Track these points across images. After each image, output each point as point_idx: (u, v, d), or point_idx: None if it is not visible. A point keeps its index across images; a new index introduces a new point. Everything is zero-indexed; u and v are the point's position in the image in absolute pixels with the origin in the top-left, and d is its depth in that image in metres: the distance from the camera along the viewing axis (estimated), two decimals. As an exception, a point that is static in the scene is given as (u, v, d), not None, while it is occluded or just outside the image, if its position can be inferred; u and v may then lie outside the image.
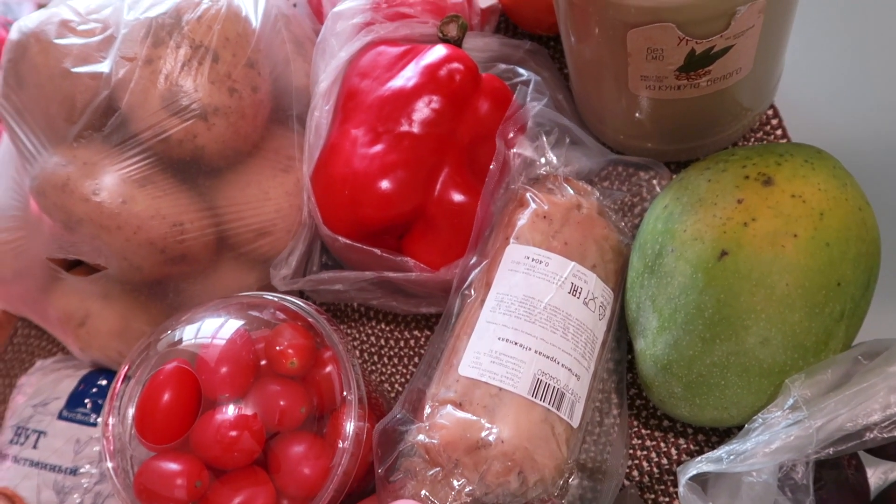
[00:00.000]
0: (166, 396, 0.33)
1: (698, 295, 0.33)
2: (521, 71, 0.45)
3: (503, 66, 0.46)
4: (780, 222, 0.32)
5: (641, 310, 0.36)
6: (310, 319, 0.34)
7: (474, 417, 0.34)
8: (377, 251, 0.40)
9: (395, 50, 0.42)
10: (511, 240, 0.38)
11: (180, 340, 0.35)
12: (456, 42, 0.43)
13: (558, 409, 0.35)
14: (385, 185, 0.39)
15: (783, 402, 0.31)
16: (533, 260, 0.37)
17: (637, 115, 0.41)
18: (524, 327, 0.36)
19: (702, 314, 0.33)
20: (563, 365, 0.36)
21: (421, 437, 0.35)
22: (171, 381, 0.33)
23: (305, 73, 0.44)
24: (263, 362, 0.35)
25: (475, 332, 0.36)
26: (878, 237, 0.34)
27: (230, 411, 0.32)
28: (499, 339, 0.36)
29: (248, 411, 0.32)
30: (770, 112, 0.45)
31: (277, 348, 0.34)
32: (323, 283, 0.42)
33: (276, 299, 0.35)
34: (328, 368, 0.35)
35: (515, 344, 0.35)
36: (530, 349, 0.35)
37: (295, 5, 0.47)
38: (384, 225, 0.40)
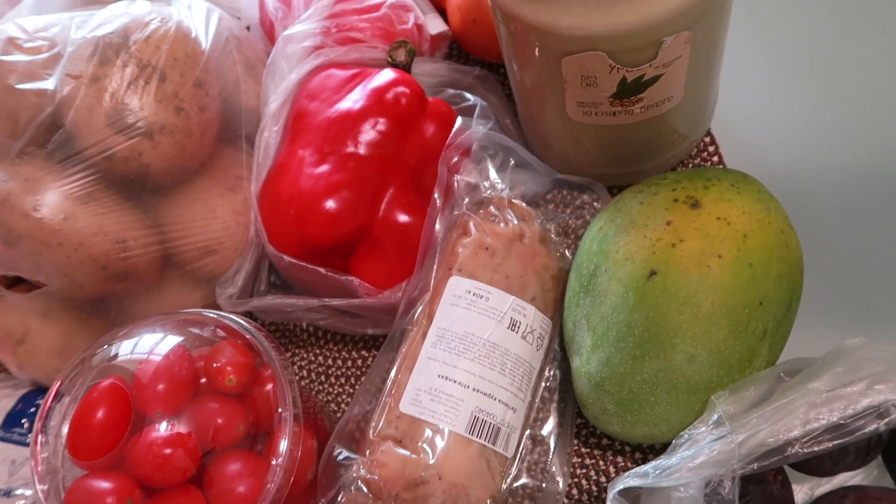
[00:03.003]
0: (100, 413, 0.33)
1: (629, 313, 0.34)
2: (469, 96, 0.46)
3: (451, 91, 0.47)
4: (705, 243, 0.33)
5: (577, 328, 0.37)
6: (249, 337, 0.35)
7: (413, 455, 0.36)
8: (322, 270, 0.41)
9: (343, 73, 0.43)
10: (454, 271, 0.39)
11: (116, 356, 0.34)
12: (404, 67, 0.44)
13: (493, 443, 0.36)
14: (330, 204, 0.40)
15: (708, 418, 0.32)
16: (474, 294, 0.38)
17: (579, 140, 0.42)
18: (463, 364, 0.37)
19: (632, 332, 0.34)
20: (499, 400, 0.37)
21: (363, 471, 0.36)
22: (106, 397, 0.33)
23: (256, 94, 0.45)
24: (203, 380, 0.35)
25: (416, 367, 0.37)
26: (800, 258, 0.35)
27: (164, 429, 0.32)
28: (438, 376, 0.37)
29: (183, 429, 0.32)
30: (707, 139, 0.47)
31: (215, 365, 0.34)
32: (267, 307, 0.42)
33: (216, 317, 0.35)
34: (268, 387, 0.35)
35: (454, 382, 0.37)
36: (468, 387, 0.36)
37: (248, 28, 0.48)
38: (329, 244, 0.40)
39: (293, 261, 0.40)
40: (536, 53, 0.36)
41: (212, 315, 0.35)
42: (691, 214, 0.34)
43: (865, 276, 0.41)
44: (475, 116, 0.44)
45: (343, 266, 0.42)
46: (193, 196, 0.42)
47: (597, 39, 0.33)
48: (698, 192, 0.35)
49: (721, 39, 0.37)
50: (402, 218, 0.41)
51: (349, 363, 0.47)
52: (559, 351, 0.41)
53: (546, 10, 0.32)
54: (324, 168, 0.40)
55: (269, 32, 0.48)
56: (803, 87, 0.47)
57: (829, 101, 0.46)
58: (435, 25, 0.49)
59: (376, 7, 0.45)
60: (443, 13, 0.51)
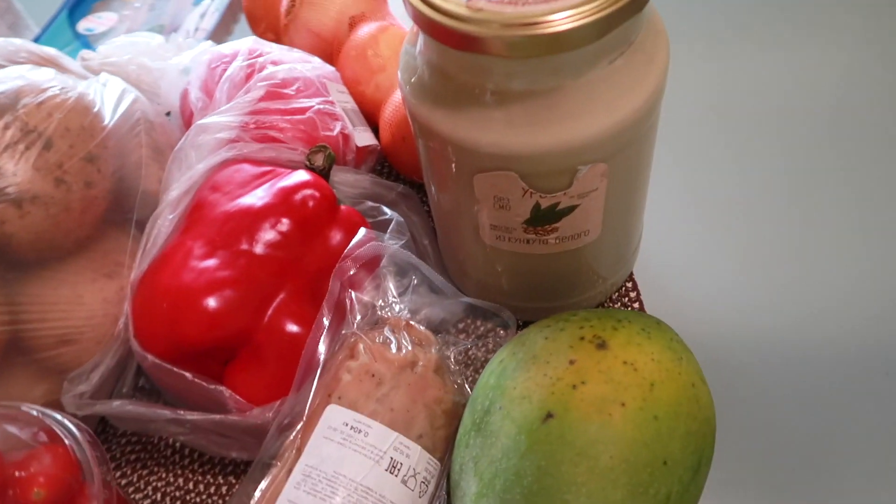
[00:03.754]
0: None
1: (519, 459, 0.30)
2: (386, 210, 0.44)
3: (370, 203, 0.45)
4: (609, 388, 0.30)
5: (464, 472, 0.32)
6: (69, 444, 0.29)
7: None
8: (188, 375, 0.36)
9: (254, 169, 0.41)
10: (333, 398, 0.34)
11: None
12: (322, 172, 0.42)
13: None
14: (210, 302, 0.36)
15: None
16: (352, 428, 0.34)
17: (494, 267, 0.40)
18: (329, 513, 0.31)
19: (521, 482, 0.29)
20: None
21: None
22: None
23: (158, 180, 0.42)
24: (11, 492, 0.29)
25: None
26: (712, 417, 0.33)
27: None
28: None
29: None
30: (630, 284, 0.45)
31: (22, 475, 0.28)
32: (113, 412, 0.36)
33: (39, 415, 0.30)
34: (91, 507, 0.29)
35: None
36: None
37: (168, 114, 0.46)
38: (204, 346, 0.36)
39: (157, 361, 0.36)
40: (453, 169, 0.34)
41: (35, 414, 0.30)
42: (597, 355, 0.32)
43: (782, 443, 0.39)
44: (388, 231, 0.41)
45: (218, 375, 0.38)
46: (61, 277, 0.37)
47: (510, 159, 0.31)
48: (606, 332, 0.33)
49: (641, 179, 0.37)
50: (290, 327, 0.37)
51: (212, 489, 0.41)
52: (447, 497, 0.36)
53: (462, 124, 0.31)
54: (210, 262, 0.36)
55: (187, 122, 0.46)
56: (731, 242, 0.47)
57: (758, 260, 0.46)
58: (363, 138, 0.48)
59: (302, 110, 0.44)
60: (375, 129, 0.51)
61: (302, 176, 0.40)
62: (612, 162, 0.32)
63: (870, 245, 0.45)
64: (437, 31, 0.28)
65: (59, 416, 0.30)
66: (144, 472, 0.42)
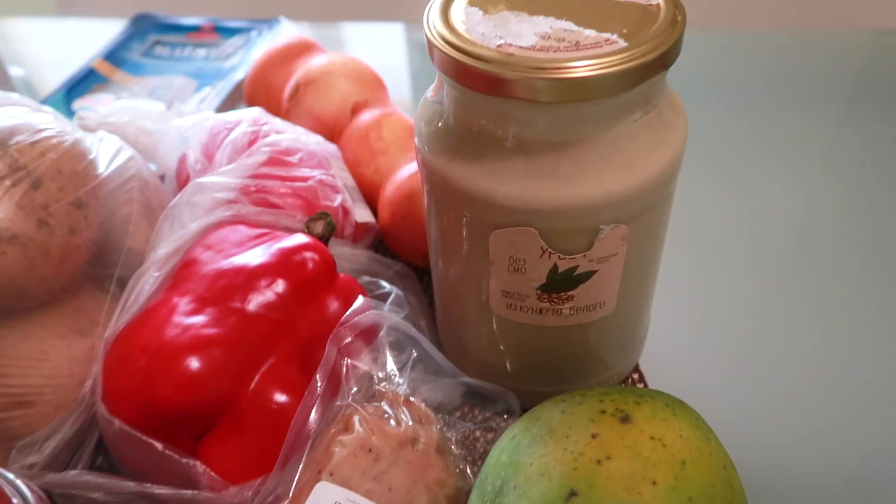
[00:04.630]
0: None
1: (539, 544, 0.26)
2: (384, 284, 0.42)
3: (368, 277, 0.43)
4: (637, 465, 0.27)
5: (471, 563, 0.28)
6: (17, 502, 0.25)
7: None
8: (158, 445, 0.32)
9: (251, 231, 0.39)
10: (323, 475, 0.31)
11: None
12: (322, 240, 0.40)
13: None
14: (193, 362, 0.32)
15: None
16: None
17: (499, 346, 0.38)
18: None
19: (542, 571, 0.26)
20: None
21: None
22: None
23: (145, 239, 0.39)
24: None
25: None
26: (745, 506, 0.29)
27: None
28: None
29: None
30: (636, 376, 0.43)
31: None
32: (68, 483, 0.32)
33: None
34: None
35: None
36: None
37: (162, 177, 0.45)
38: (180, 411, 0.32)
39: (125, 428, 0.32)
40: (467, 228, 0.33)
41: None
42: (620, 429, 0.29)
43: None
44: (388, 303, 0.39)
45: (192, 450, 0.33)
46: (27, 329, 0.34)
47: (530, 213, 0.30)
48: (629, 406, 0.30)
49: (656, 254, 0.35)
50: (278, 397, 0.34)
51: (167, 591, 0.35)
52: None
53: (481, 175, 0.30)
54: (197, 319, 0.34)
55: (182, 185, 0.45)
56: (740, 338, 0.45)
57: (770, 359, 0.44)
58: (362, 215, 0.47)
59: (304, 179, 0.43)
60: (373, 212, 0.50)
61: (301, 238, 0.38)
62: (634, 225, 0.31)
63: (884, 347, 0.44)
64: (463, 74, 0.28)
65: (9, 476, 0.26)
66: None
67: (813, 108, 0.64)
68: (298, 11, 0.80)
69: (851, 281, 0.48)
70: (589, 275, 0.32)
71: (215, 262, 0.36)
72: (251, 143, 0.43)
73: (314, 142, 0.47)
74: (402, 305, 0.40)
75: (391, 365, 0.36)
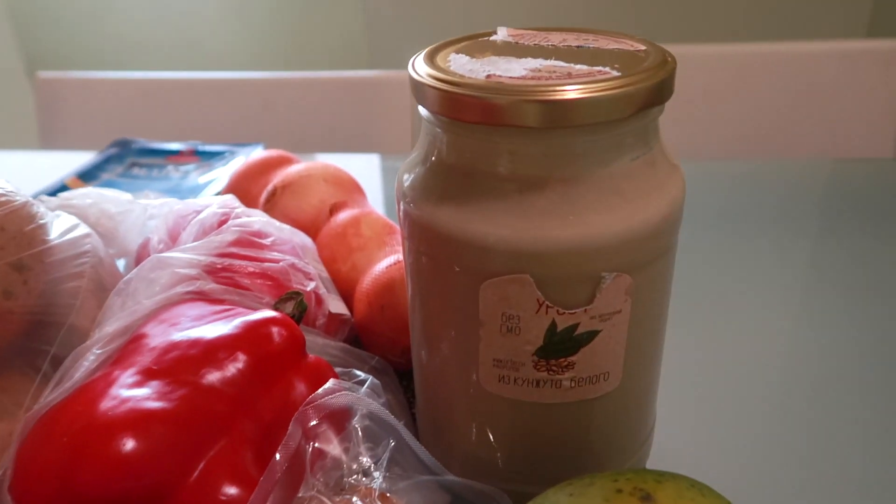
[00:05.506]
0: None
1: None
2: (359, 372, 0.37)
3: (341, 369, 0.38)
4: (670, 546, 0.22)
5: None
6: None
7: None
8: (73, 543, 0.26)
9: (213, 306, 0.35)
10: None
11: None
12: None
13: None
14: (127, 442, 0.27)
15: None
16: None
17: (489, 435, 0.33)
18: None
19: None
20: None
21: None
22: None
23: (92, 318, 0.35)
24: None
25: None
26: None
27: None
28: None
29: None
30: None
31: None
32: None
33: None
34: None
35: None
36: None
37: (122, 261, 0.41)
38: (107, 502, 0.26)
39: (34, 521, 0.26)
40: (452, 286, 0.29)
41: None
42: (643, 508, 0.24)
43: None
44: (364, 387, 0.34)
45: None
46: (-67, 406, 0.29)
47: (524, 257, 0.27)
48: (649, 484, 0.25)
49: (661, 319, 0.32)
50: (227, 489, 0.28)
51: None
52: None
53: (471, 219, 0.27)
54: (140, 391, 0.29)
55: (142, 269, 0.41)
56: (756, 434, 0.41)
57: (783, 457, 0.39)
58: (337, 306, 0.43)
59: (275, 261, 0.40)
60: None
61: (269, 313, 0.34)
62: (637, 277, 0.28)
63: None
64: (452, 104, 0.26)
65: None
66: None
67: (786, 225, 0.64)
68: (275, 142, 0.80)
69: (860, 356, 0.44)
70: (591, 336, 0.29)
71: (167, 334, 0.32)
72: (221, 223, 0.40)
73: (288, 230, 0.44)
74: (379, 393, 0.35)
75: (365, 455, 0.31)
